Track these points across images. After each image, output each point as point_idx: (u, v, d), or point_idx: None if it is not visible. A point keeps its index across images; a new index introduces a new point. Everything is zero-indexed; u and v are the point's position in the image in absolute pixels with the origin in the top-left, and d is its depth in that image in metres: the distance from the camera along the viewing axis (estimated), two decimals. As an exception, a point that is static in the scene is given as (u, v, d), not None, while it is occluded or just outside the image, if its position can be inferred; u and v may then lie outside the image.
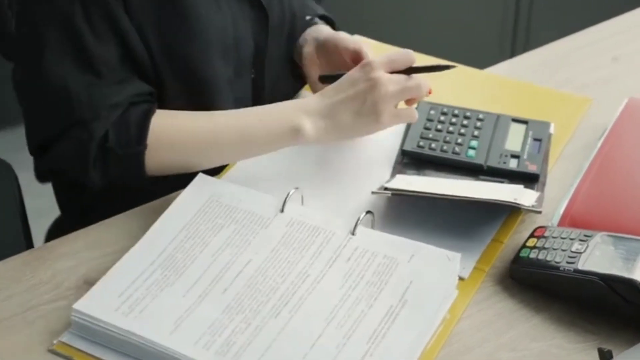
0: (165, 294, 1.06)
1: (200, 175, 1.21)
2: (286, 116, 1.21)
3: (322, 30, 1.41)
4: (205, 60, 1.28)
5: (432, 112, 1.34)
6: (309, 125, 1.20)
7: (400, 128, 1.32)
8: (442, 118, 1.31)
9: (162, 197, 1.23)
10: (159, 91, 1.28)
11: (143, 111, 1.21)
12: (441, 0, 2.85)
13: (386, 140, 1.32)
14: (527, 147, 1.28)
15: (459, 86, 1.43)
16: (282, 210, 1.15)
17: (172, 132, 1.22)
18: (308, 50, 1.39)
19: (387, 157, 1.28)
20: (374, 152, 1.31)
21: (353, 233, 1.12)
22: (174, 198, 1.18)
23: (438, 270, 1.08)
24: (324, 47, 1.37)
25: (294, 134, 1.20)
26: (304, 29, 1.42)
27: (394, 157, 1.29)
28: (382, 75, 1.20)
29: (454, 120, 1.31)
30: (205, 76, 1.29)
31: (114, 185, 1.23)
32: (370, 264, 1.09)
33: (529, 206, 1.14)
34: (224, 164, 1.24)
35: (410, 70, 1.23)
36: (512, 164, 1.25)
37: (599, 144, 1.30)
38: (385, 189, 1.18)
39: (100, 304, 1.04)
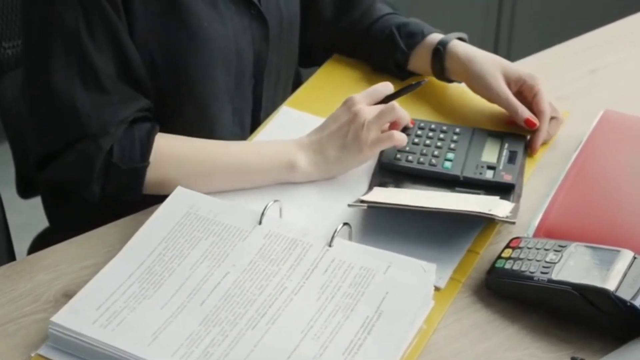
0: (143, 307, 1.06)
1: (179, 188, 1.22)
2: (282, 151, 1.26)
3: (459, 53, 1.43)
4: (207, 71, 1.31)
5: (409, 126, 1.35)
6: (303, 161, 1.26)
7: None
8: (419, 132, 1.32)
9: (141, 210, 1.24)
10: (157, 106, 1.30)
11: (147, 129, 1.25)
12: (422, 14, 2.86)
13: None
14: (503, 158, 1.29)
15: (436, 99, 1.44)
16: (260, 223, 1.16)
17: (171, 153, 1.26)
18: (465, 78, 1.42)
19: (365, 170, 1.29)
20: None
21: (330, 245, 1.13)
22: (153, 211, 1.19)
23: (414, 281, 1.09)
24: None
25: (289, 169, 1.26)
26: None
27: (371, 169, 1.30)
28: (362, 107, 1.27)
29: (430, 134, 1.32)
30: (206, 87, 1.32)
31: (108, 198, 1.25)
32: (347, 276, 1.10)
33: (502, 217, 1.14)
34: (216, 191, 1.25)
35: (388, 99, 1.31)
36: (488, 175, 1.26)
37: (574, 156, 1.31)
38: (362, 201, 1.19)
39: (78, 317, 1.05)
